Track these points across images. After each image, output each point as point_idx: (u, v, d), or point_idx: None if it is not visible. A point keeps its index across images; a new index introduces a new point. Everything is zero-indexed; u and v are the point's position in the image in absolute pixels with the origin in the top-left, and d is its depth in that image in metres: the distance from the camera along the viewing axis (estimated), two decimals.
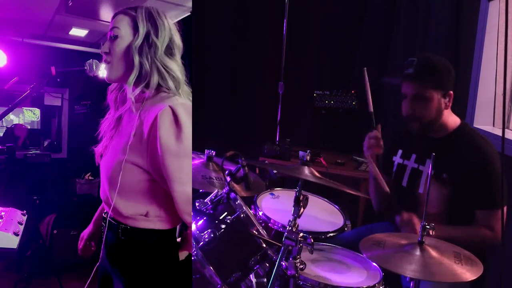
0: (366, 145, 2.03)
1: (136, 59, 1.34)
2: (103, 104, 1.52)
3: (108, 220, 1.42)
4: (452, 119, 1.95)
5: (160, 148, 1.26)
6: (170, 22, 1.41)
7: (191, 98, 1.41)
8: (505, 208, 1.80)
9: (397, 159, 2.10)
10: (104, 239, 1.47)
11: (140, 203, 1.37)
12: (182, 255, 1.55)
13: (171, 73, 1.36)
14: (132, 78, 1.35)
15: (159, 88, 1.35)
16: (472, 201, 1.84)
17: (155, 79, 1.34)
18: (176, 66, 1.38)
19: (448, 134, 1.94)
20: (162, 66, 1.35)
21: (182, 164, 1.28)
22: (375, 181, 2.05)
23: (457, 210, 1.87)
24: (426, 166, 1.97)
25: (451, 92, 1.90)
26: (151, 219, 1.38)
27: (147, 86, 1.34)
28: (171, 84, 1.35)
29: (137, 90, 1.35)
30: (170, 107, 1.27)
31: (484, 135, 1.96)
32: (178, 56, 1.42)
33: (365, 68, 2.02)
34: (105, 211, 1.47)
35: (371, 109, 2.03)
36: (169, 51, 1.38)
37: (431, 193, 1.87)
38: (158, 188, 1.34)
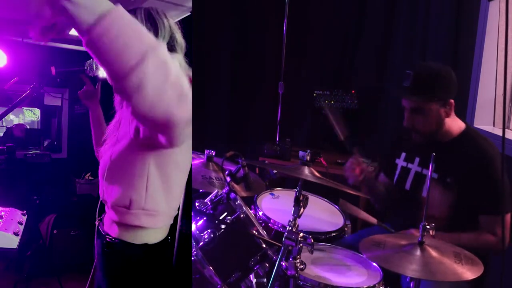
0: (346, 173, 2.05)
1: None
2: (112, 106, 1.53)
3: (97, 228, 1.46)
4: (456, 124, 1.91)
5: None
6: (170, 21, 1.41)
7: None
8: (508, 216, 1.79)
9: (400, 162, 2.08)
10: (95, 244, 1.50)
11: (125, 187, 1.35)
12: None
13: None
14: None
15: None
16: (476, 206, 1.82)
17: None
18: (176, 64, 1.38)
19: (452, 139, 1.90)
20: None
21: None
22: (368, 188, 2.08)
23: (461, 214, 1.85)
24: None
25: (451, 100, 1.85)
26: (135, 212, 1.35)
27: None
28: None
29: None
30: None
31: (488, 137, 1.92)
32: (180, 53, 1.42)
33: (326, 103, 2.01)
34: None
35: (342, 138, 2.04)
36: (169, 50, 1.38)
37: (436, 197, 1.86)
38: (145, 172, 1.33)
